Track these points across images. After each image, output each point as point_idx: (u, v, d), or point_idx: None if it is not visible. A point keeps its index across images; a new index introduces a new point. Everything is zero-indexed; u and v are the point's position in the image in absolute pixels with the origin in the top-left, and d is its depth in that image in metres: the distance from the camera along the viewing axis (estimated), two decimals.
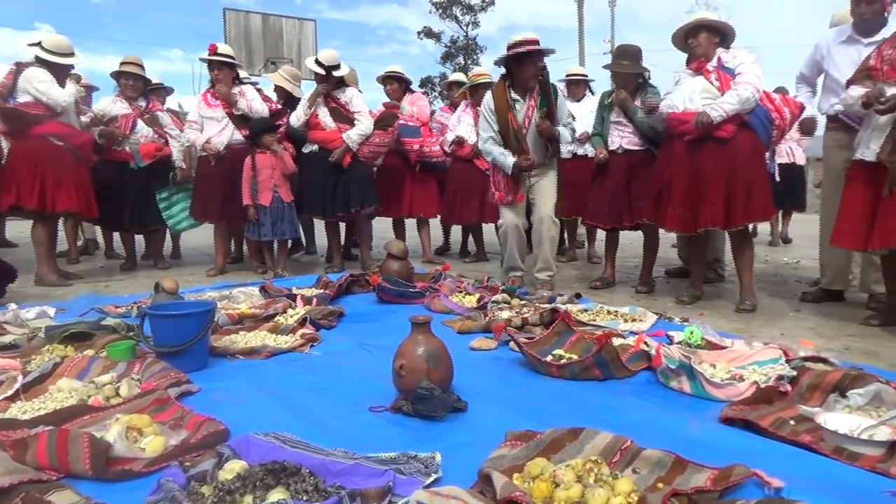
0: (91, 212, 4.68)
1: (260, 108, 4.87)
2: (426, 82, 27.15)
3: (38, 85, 4.24)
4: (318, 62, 4.80)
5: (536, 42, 3.81)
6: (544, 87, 3.90)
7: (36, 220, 4.50)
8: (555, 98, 3.97)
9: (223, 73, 4.84)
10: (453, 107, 5.91)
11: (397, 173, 5.53)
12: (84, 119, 4.84)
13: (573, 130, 4.24)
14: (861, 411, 1.80)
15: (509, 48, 3.87)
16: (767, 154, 8.52)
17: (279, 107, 5.32)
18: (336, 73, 4.81)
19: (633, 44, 4.18)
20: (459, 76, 6.29)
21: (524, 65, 3.83)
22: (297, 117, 4.88)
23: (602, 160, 4.20)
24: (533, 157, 3.91)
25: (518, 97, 3.93)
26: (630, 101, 4.02)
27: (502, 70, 4.01)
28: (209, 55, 4.81)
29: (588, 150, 5.02)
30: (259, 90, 5.22)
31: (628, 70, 4.05)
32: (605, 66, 4.28)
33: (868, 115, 3.06)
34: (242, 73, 5.77)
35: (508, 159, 3.90)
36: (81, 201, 4.49)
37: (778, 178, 7.97)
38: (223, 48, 4.91)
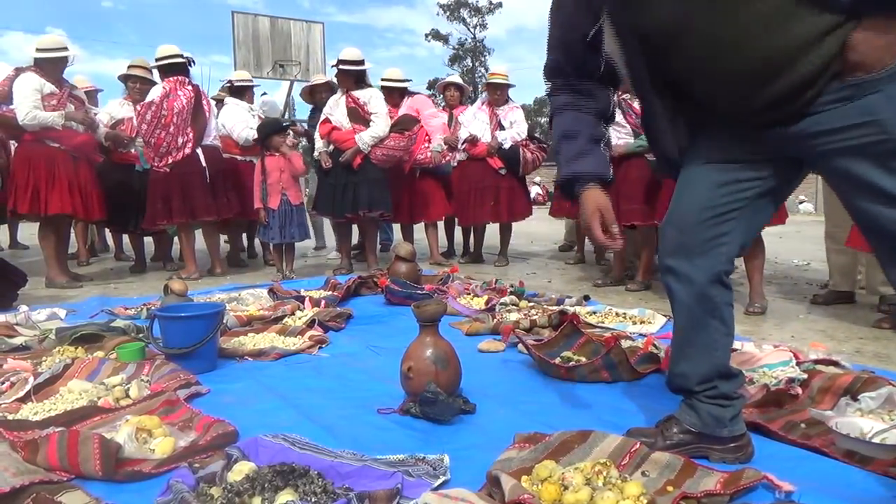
0: (89, 213, 4.55)
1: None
2: (433, 85, 27.19)
3: (16, 95, 4.19)
4: (342, 61, 4.82)
5: None
6: None
7: (41, 223, 4.50)
8: None
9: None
10: (449, 108, 5.79)
11: (396, 180, 5.33)
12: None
13: None
14: (873, 415, 1.78)
15: None
16: None
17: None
18: (361, 67, 4.85)
19: None
20: (455, 78, 6.23)
21: None
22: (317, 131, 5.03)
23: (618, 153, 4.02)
24: None
25: None
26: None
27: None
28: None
29: None
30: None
31: None
32: None
33: None
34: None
35: None
36: (76, 203, 4.38)
37: None
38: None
